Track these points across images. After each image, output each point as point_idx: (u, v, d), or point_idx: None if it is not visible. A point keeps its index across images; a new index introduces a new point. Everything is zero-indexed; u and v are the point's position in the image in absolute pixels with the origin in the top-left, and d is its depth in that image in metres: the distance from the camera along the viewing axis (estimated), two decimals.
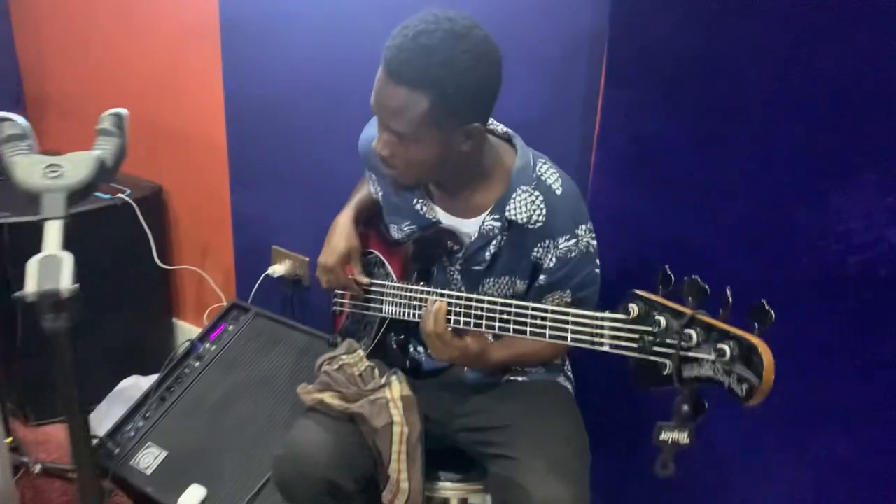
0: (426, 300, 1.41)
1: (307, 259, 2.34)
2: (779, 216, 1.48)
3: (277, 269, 2.37)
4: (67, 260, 0.98)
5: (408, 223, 1.53)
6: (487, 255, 1.45)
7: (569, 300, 1.47)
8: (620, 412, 1.68)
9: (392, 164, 1.37)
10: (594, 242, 1.47)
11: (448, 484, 1.55)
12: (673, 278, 0.96)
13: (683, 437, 0.91)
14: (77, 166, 1.15)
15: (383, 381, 1.46)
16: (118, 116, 1.27)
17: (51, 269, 0.96)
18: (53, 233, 1.02)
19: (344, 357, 1.50)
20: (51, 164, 1.13)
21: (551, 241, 1.42)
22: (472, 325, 1.32)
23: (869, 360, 1.46)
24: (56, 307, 0.96)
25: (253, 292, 2.39)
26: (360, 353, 1.53)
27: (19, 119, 1.23)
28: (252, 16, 2.16)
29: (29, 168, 1.13)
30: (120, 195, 2.43)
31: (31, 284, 0.97)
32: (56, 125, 2.89)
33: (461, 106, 1.27)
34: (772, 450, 1.61)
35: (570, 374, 1.66)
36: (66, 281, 0.95)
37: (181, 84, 2.46)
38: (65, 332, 0.98)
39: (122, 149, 1.24)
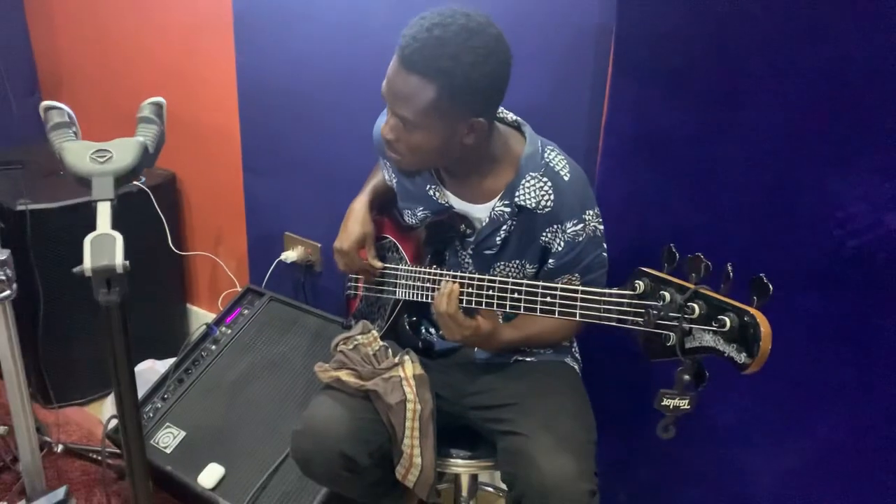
0: (438, 282, 1.45)
1: (319, 245, 2.38)
2: (780, 202, 1.51)
3: (290, 255, 2.42)
4: (119, 239, 1.03)
5: (421, 208, 1.58)
6: (498, 239, 1.50)
7: (577, 283, 1.50)
8: (626, 393, 1.72)
9: (396, 149, 1.42)
10: (601, 227, 1.51)
11: (459, 461, 1.59)
12: (677, 256, 1.01)
13: (684, 404, 0.96)
14: (123, 152, 1.19)
15: (396, 360, 1.50)
16: (158, 105, 1.32)
17: (105, 246, 1.02)
18: (104, 214, 1.08)
19: (359, 337, 1.55)
20: (99, 150, 1.18)
21: (559, 226, 1.46)
22: (483, 304, 1.36)
23: (868, 344, 1.49)
24: (109, 282, 1.01)
25: (266, 278, 2.43)
26: (374, 333, 1.57)
27: (65, 107, 1.28)
28: (265, 5, 2.18)
29: (79, 153, 1.18)
30: (135, 183, 2.45)
31: (87, 261, 1.02)
32: None
33: (467, 99, 1.32)
34: (772, 430, 1.64)
35: (577, 355, 1.71)
36: (119, 258, 1.01)
37: (195, 73, 2.49)
38: (117, 305, 1.03)
39: (161, 135, 1.29)
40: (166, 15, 2.49)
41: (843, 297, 1.49)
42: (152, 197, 2.48)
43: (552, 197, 1.45)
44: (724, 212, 1.58)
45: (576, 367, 1.66)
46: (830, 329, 1.52)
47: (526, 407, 1.46)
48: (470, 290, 1.38)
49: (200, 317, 2.81)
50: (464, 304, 1.39)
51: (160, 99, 1.31)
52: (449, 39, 1.28)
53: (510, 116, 1.53)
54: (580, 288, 1.18)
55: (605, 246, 1.53)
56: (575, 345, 1.71)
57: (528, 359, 1.62)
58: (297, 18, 2.14)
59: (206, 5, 2.36)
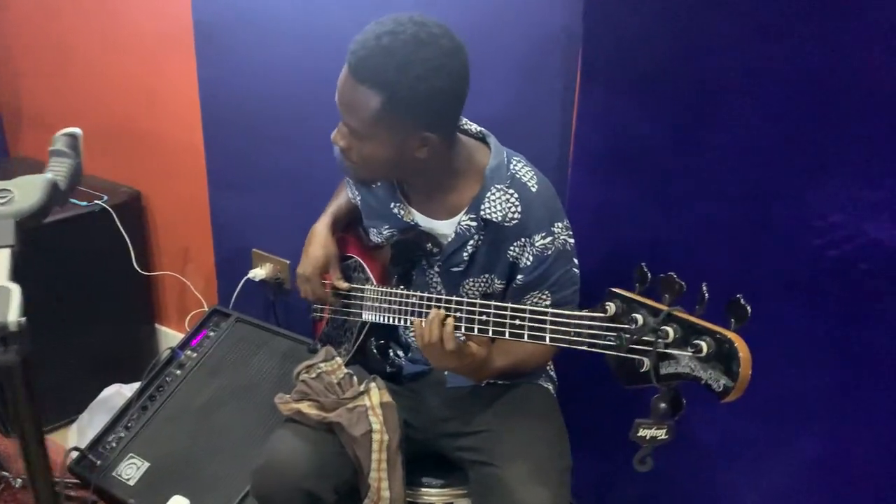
0: (406, 303, 1.40)
1: (288, 262, 2.32)
2: (757, 211, 1.47)
3: (259, 273, 2.36)
4: (16, 292, 0.91)
5: (386, 227, 1.52)
6: (465, 255, 1.44)
7: (548, 302, 1.45)
8: (604, 409, 1.67)
9: (349, 157, 1.37)
10: (571, 241, 1.45)
11: (431, 490, 1.54)
12: (650, 275, 0.95)
13: (662, 434, 0.90)
14: (27, 191, 1.06)
15: (362, 388, 1.44)
16: (72, 136, 1.20)
17: None
18: (3, 262, 0.97)
19: (322, 365, 1.49)
20: None
21: (527, 239, 1.41)
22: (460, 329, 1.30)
23: (850, 355, 1.46)
24: (3, 341, 0.90)
25: (234, 297, 2.36)
26: (338, 360, 1.51)
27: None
28: (225, 19, 2.14)
29: None
30: (97, 202, 2.40)
31: None
32: (32, 134, 2.86)
33: (413, 112, 1.27)
34: (752, 444, 1.61)
35: (552, 373, 1.65)
36: (13, 314, 0.89)
37: (157, 89, 2.43)
38: (17, 365, 0.91)
39: (76, 170, 1.18)
40: (126, 30, 2.44)
41: (824, 308, 1.47)
42: (115, 216, 2.41)
43: (519, 209, 1.39)
44: (699, 222, 1.54)
45: (550, 387, 1.61)
46: (812, 341, 1.49)
47: (498, 434, 1.41)
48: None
49: (170, 337, 2.74)
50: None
51: (76, 130, 1.21)
52: (397, 49, 1.23)
53: (474, 128, 1.47)
54: (549, 311, 1.12)
55: (576, 261, 1.48)
56: (550, 363, 1.66)
57: (501, 382, 1.56)
58: (260, 30, 2.09)
59: (166, 19, 2.31)
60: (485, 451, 1.40)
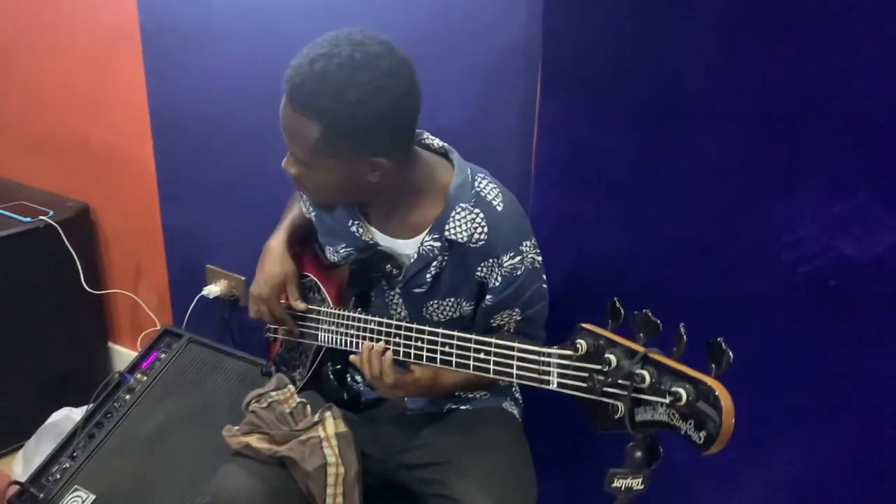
0: (364, 328, 1.34)
1: (243, 278, 2.25)
2: (726, 225, 1.44)
3: (213, 290, 2.28)
4: None
5: (343, 245, 1.45)
6: (428, 276, 1.38)
7: (518, 318, 1.41)
8: (571, 433, 1.63)
9: (302, 184, 1.33)
10: (539, 258, 1.41)
11: None
12: (623, 311, 0.89)
13: (637, 483, 0.85)
14: None
15: (316, 418, 1.37)
16: None
17: None
18: None
19: (273, 394, 1.41)
20: None
21: (495, 260, 1.35)
22: (411, 356, 1.24)
23: (822, 370, 1.44)
24: None
25: (188, 315, 2.29)
26: (290, 388, 1.44)
27: None
28: (173, 27, 2.07)
29: None
30: (42, 217, 2.30)
31: None
32: None
33: (355, 139, 1.21)
34: (728, 463, 1.56)
35: (517, 394, 1.60)
36: None
37: (103, 99, 2.35)
38: None
39: None
40: (71, 40, 2.35)
41: (794, 323, 1.44)
42: (62, 232, 2.31)
43: (485, 229, 1.33)
44: (665, 235, 1.51)
45: (515, 411, 1.56)
46: (783, 356, 1.47)
47: (460, 465, 1.35)
48: (397, 339, 1.27)
49: (123, 356, 2.64)
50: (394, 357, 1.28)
51: None
52: (331, 74, 1.16)
53: (436, 143, 1.41)
54: (516, 345, 1.06)
55: (544, 277, 1.44)
56: (515, 385, 1.60)
57: (463, 407, 1.50)
58: (210, 38, 2.03)
59: (111, 27, 2.23)
60: (446, 483, 1.34)
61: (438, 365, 1.21)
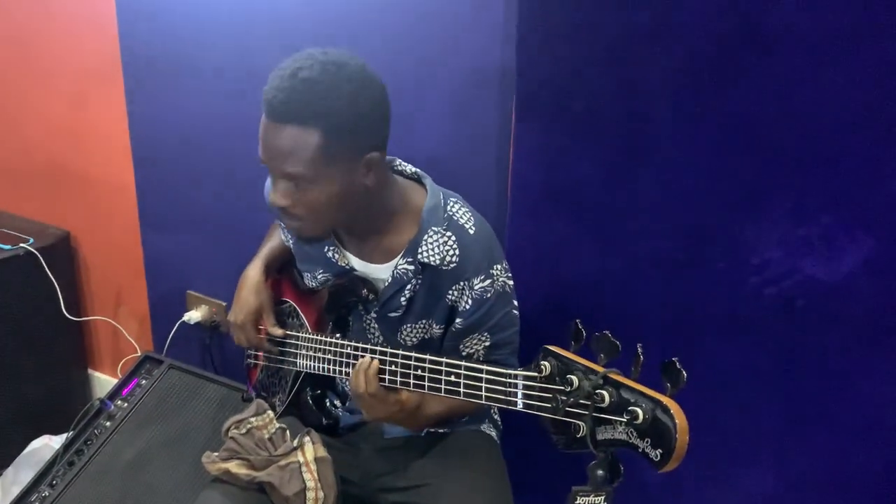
0: (341, 353, 1.35)
1: (224, 304, 2.25)
2: (693, 249, 1.47)
3: (194, 316, 2.28)
4: None
5: (321, 271, 1.47)
6: (402, 300, 1.40)
7: (487, 344, 1.42)
8: (549, 454, 1.64)
9: (293, 216, 1.30)
10: (510, 282, 1.42)
11: None
12: (584, 333, 0.92)
13: (600, 501, 0.87)
14: None
15: (295, 443, 1.38)
16: None
17: None
18: None
19: (252, 420, 1.42)
20: None
21: (466, 283, 1.37)
22: (386, 380, 1.26)
23: (790, 391, 1.46)
24: None
25: (168, 341, 2.29)
26: (270, 414, 1.45)
27: None
28: (155, 55, 2.08)
29: None
30: (22, 244, 2.30)
31: None
32: None
33: (354, 134, 1.23)
34: (696, 484, 1.59)
35: (496, 416, 1.61)
36: None
37: (84, 126, 2.36)
38: None
39: None
40: (53, 68, 2.36)
41: (762, 344, 1.47)
42: (42, 259, 2.31)
43: (457, 252, 1.35)
44: (636, 261, 1.54)
45: (493, 433, 1.57)
46: (751, 377, 1.49)
47: (438, 489, 1.37)
48: None
49: (103, 383, 2.63)
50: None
51: None
52: (317, 78, 1.19)
53: (409, 168, 1.43)
54: (485, 367, 1.08)
55: (515, 303, 1.44)
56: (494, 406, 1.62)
57: (442, 430, 1.51)
58: (190, 66, 2.04)
59: (94, 58, 2.24)
60: None
61: (411, 388, 1.22)
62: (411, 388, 1.22)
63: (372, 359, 1.27)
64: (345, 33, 1.76)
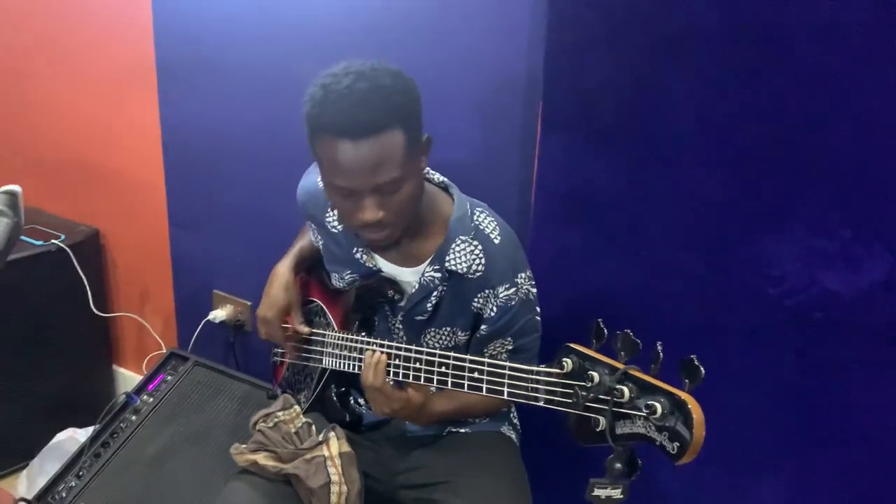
0: (366, 350, 1.38)
1: (249, 304, 2.29)
2: (715, 260, 1.48)
3: (219, 315, 2.32)
4: None
5: (348, 272, 1.50)
6: (429, 305, 1.43)
7: (510, 348, 1.45)
8: (567, 456, 1.66)
9: (384, 224, 1.29)
10: (534, 290, 1.45)
11: None
12: (606, 332, 0.95)
13: (617, 494, 0.90)
14: None
15: (320, 438, 1.41)
16: (11, 195, 1.16)
17: None
18: None
19: (279, 414, 1.46)
20: None
21: (491, 291, 1.40)
22: (410, 377, 1.29)
23: (806, 403, 1.47)
24: None
25: (193, 339, 2.32)
26: (297, 409, 1.48)
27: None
28: (189, 55, 2.13)
29: None
30: (54, 241, 2.36)
31: None
32: None
33: (417, 119, 1.29)
34: (711, 492, 1.60)
35: (515, 420, 1.64)
36: None
37: (117, 126, 2.41)
38: None
39: (14, 229, 1.13)
40: (87, 68, 2.42)
41: (780, 356, 1.47)
42: (72, 255, 2.37)
43: (483, 261, 1.39)
44: (657, 271, 1.55)
45: (513, 436, 1.60)
46: (768, 389, 1.50)
47: (459, 486, 1.39)
48: (396, 361, 1.31)
49: (128, 379, 2.68)
50: (390, 377, 1.32)
51: (14, 188, 1.16)
52: (372, 85, 1.22)
53: (437, 177, 1.47)
54: (507, 364, 1.11)
55: (538, 309, 1.48)
56: (514, 410, 1.65)
57: (463, 430, 1.54)
58: (223, 69, 2.09)
59: (129, 58, 2.30)
60: (444, 503, 1.37)
61: (435, 385, 1.25)
62: (435, 385, 1.25)
63: (380, 353, 1.30)
64: (372, 39, 1.80)
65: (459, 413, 1.49)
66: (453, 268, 1.38)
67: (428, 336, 1.47)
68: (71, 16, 2.39)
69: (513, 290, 1.40)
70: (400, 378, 1.31)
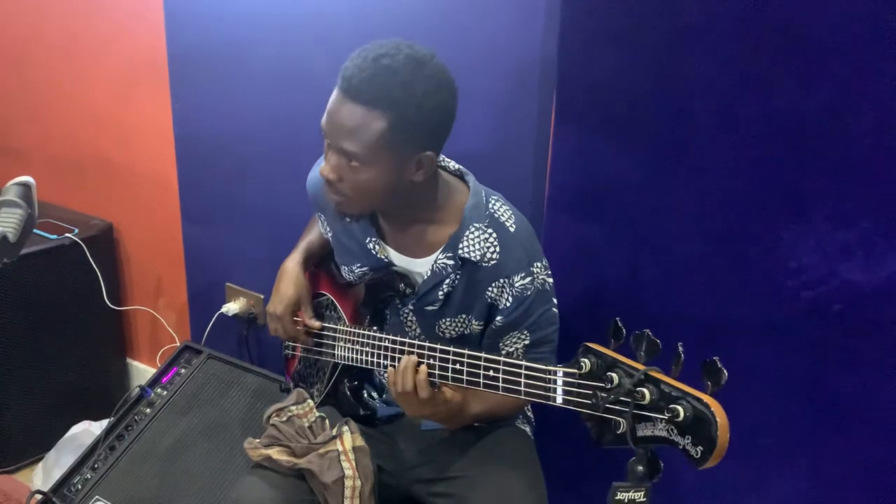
0: (379, 345, 1.37)
1: (262, 296, 2.29)
2: (732, 252, 1.47)
3: (231, 308, 2.32)
4: None
5: (359, 265, 1.49)
6: (440, 293, 1.42)
7: (527, 342, 1.44)
8: (582, 451, 1.65)
9: (339, 190, 1.32)
10: (550, 280, 1.44)
11: None
12: (624, 331, 0.93)
13: (640, 497, 0.88)
14: None
15: (334, 432, 1.41)
16: (25, 186, 1.16)
17: None
18: None
19: (293, 408, 1.45)
20: None
21: (506, 280, 1.39)
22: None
23: (825, 395, 1.45)
24: None
25: (207, 332, 2.33)
26: (310, 402, 1.48)
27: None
28: (200, 50, 2.12)
29: None
30: (68, 235, 2.36)
31: None
32: (2, 164, 2.81)
33: (418, 131, 1.25)
34: (730, 485, 1.59)
35: (529, 413, 1.63)
36: None
37: (130, 120, 2.41)
38: None
39: (28, 221, 1.13)
40: (99, 61, 2.42)
41: (799, 348, 1.46)
42: (86, 249, 2.37)
43: (497, 249, 1.37)
44: (674, 263, 1.54)
45: (527, 429, 1.59)
46: (787, 381, 1.49)
47: (473, 480, 1.38)
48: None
49: (141, 372, 2.69)
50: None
51: (28, 179, 1.16)
52: (399, 69, 1.21)
53: (452, 165, 1.46)
54: (524, 363, 1.10)
55: (554, 301, 1.46)
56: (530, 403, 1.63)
57: (476, 423, 1.53)
58: (234, 64, 2.08)
59: (140, 50, 2.29)
60: (459, 497, 1.37)
61: (450, 382, 1.24)
62: (449, 382, 1.24)
63: (420, 362, 1.28)
64: (386, 31, 1.74)
65: (492, 414, 1.47)
66: (466, 255, 1.37)
67: (442, 326, 1.46)
68: (83, 11, 2.39)
69: (528, 279, 1.39)
70: None
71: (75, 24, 2.42)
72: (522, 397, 1.11)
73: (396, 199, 1.35)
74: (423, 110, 1.23)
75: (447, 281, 1.40)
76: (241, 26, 2.03)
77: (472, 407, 1.39)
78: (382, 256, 1.45)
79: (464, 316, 1.44)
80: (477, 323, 1.45)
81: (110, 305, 2.46)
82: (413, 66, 1.22)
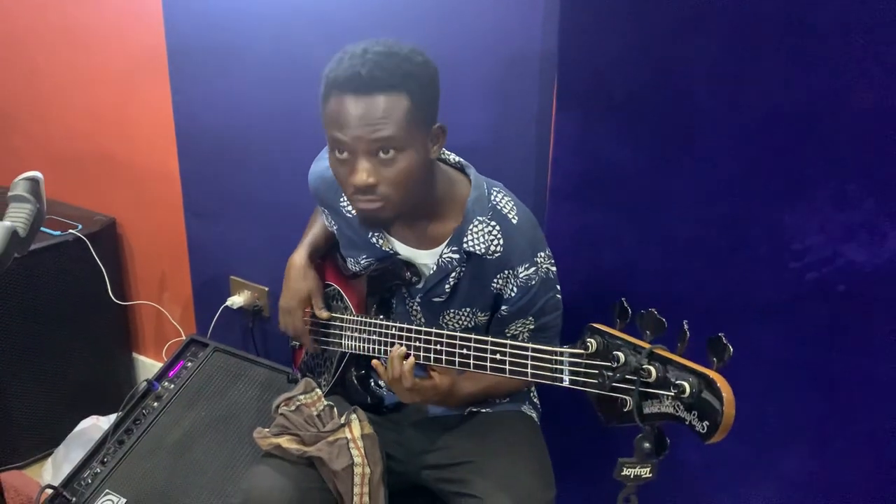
0: (385, 333, 1.38)
1: (266, 289, 2.30)
2: (735, 234, 1.47)
3: (236, 300, 2.33)
4: None
5: (364, 256, 1.50)
6: (447, 286, 1.42)
7: (532, 328, 1.45)
8: (589, 435, 1.67)
9: (378, 193, 1.27)
10: (553, 269, 1.45)
11: None
12: (630, 311, 0.94)
13: (646, 472, 0.89)
14: None
15: (342, 420, 1.42)
16: (33, 181, 1.16)
17: None
18: None
19: (301, 397, 1.46)
20: None
21: (510, 271, 1.40)
22: (431, 360, 1.29)
23: (830, 376, 1.46)
24: None
25: (212, 325, 2.34)
26: (318, 392, 1.49)
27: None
28: (200, 43, 2.12)
29: None
30: (71, 231, 2.37)
31: None
32: (4, 161, 2.82)
33: (430, 101, 1.29)
34: (737, 467, 1.60)
35: (536, 400, 1.64)
36: None
37: (131, 115, 2.42)
38: None
39: (37, 216, 1.14)
40: (98, 55, 2.42)
41: (803, 329, 1.47)
42: (90, 245, 2.38)
43: (501, 241, 1.38)
44: (677, 247, 1.54)
45: (534, 415, 1.60)
46: (792, 362, 1.49)
47: (481, 465, 1.39)
48: (417, 344, 1.31)
49: (148, 367, 2.70)
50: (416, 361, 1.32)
51: (36, 174, 1.16)
52: (393, 50, 1.25)
53: (453, 157, 1.46)
54: (530, 345, 1.11)
55: (558, 288, 1.47)
56: (533, 389, 1.65)
57: (484, 409, 1.54)
58: (234, 57, 2.08)
59: (140, 44, 2.29)
60: (468, 483, 1.38)
61: (457, 367, 1.25)
62: (457, 367, 1.25)
63: (407, 354, 1.31)
64: (385, 21, 1.78)
65: (486, 394, 1.49)
66: (471, 249, 1.38)
67: (447, 317, 1.46)
68: (82, 7, 2.39)
69: (532, 269, 1.39)
70: (421, 361, 1.31)
71: (75, 19, 2.42)
72: (530, 379, 1.11)
73: (425, 183, 1.34)
74: (429, 78, 1.27)
75: (453, 274, 1.41)
76: (240, 19, 2.02)
77: (464, 388, 1.42)
78: (387, 248, 1.45)
79: (468, 309, 1.45)
80: (483, 315, 1.46)
81: (115, 300, 2.47)
82: (396, 46, 1.25)
